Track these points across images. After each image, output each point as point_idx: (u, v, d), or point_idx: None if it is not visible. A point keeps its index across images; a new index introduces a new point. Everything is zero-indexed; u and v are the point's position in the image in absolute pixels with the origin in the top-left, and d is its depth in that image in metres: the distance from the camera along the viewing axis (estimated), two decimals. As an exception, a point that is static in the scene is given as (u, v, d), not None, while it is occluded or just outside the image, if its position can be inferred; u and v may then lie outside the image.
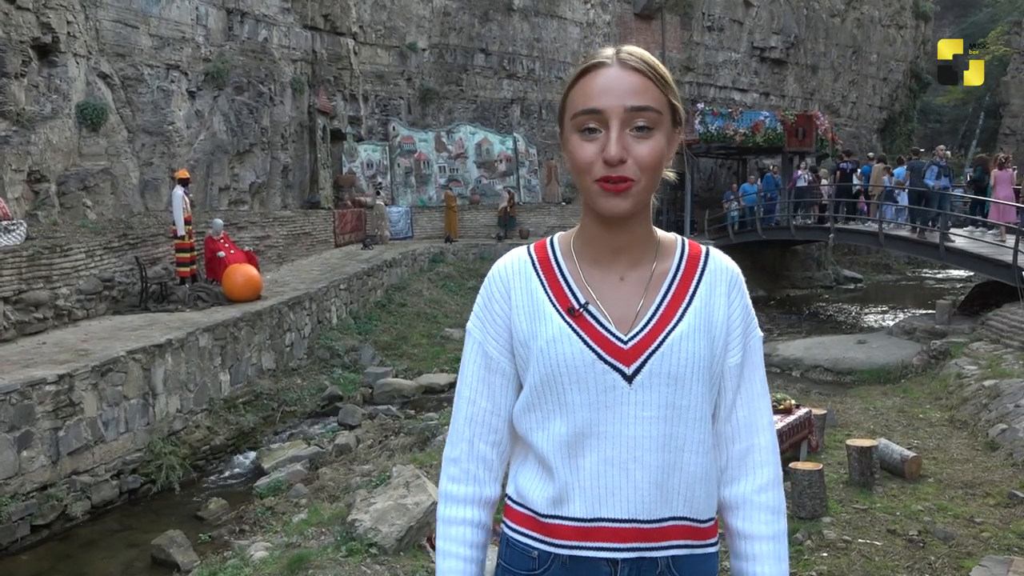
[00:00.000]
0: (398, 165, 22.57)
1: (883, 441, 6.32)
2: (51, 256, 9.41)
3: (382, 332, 14.29)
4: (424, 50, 22.95)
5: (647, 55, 1.33)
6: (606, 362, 1.32)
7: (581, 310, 1.35)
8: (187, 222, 11.32)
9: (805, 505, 5.14)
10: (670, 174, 1.38)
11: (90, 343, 8.56)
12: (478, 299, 1.46)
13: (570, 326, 1.34)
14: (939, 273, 27.89)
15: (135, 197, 13.02)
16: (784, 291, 22.60)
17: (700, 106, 23.87)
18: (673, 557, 1.34)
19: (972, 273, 17.60)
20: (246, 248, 13.07)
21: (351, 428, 9.73)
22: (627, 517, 1.32)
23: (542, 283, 1.40)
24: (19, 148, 10.33)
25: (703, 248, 1.45)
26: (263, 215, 15.99)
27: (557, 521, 1.35)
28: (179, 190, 11.24)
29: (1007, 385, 8.14)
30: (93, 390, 7.51)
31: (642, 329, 1.34)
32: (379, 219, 20.57)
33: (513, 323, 1.40)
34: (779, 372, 12.50)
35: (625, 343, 1.33)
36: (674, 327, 1.34)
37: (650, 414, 1.31)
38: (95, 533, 7.07)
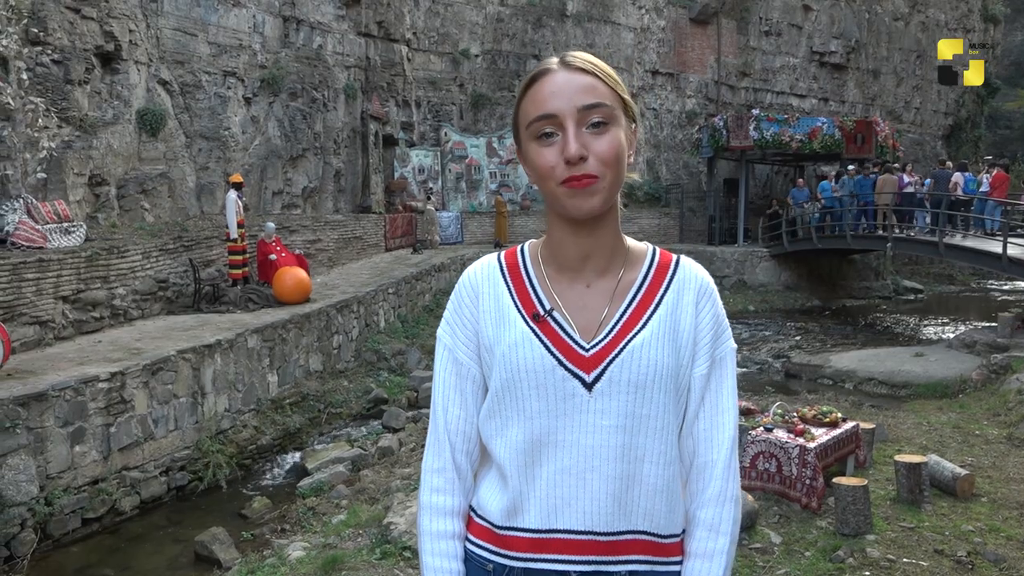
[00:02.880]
0: (449, 170, 22.73)
1: (934, 457, 6.09)
2: (109, 257, 9.70)
3: (429, 336, 14.36)
4: (477, 56, 23.08)
5: (591, 56, 1.32)
6: (566, 368, 1.30)
7: (545, 316, 1.34)
8: (240, 225, 11.56)
9: (848, 522, 4.99)
10: (633, 175, 1.35)
11: (143, 342, 8.79)
12: (448, 305, 1.46)
13: (533, 331, 1.33)
14: (1005, 284, 26.89)
15: (191, 200, 13.37)
16: (840, 301, 22.04)
17: (755, 112, 23.46)
18: (632, 572, 1.31)
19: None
20: (297, 251, 13.30)
21: (394, 431, 9.80)
22: (583, 529, 1.29)
23: (509, 289, 1.39)
24: (81, 152, 10.69)
25: (674, 256, 1.43)
26: (315, 219, 16.26)
27: (512, 533, 1.33)
28: (232, 194, 11.50)
29: (1071, 402, 7.79)
30: (144, 388, 7.71)
31: (605, 337, 1.32)
32: (429, 224, 20.72)
33: (480, 328, 1.39)
34: (831, 384, 12.19)
35: (587, 350, 1.31)
36: (636, 334, 1.32)
37: (609, 423, 1.28)
38: (143, 528, 7.25)
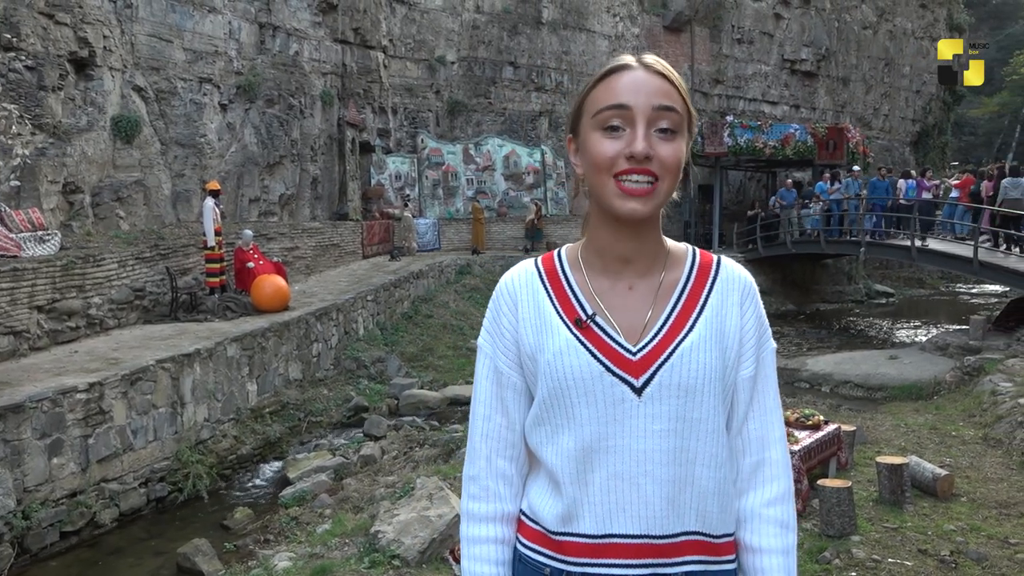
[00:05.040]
0: (426, 177, 22.69)
1: (914, 459, 6.19)
2: (84, 266, 9.57)
3: (408, 343, 14.33)
4: (453, 63, 23.10)
5: (666, 63, 1.34)
6: (614, 374, 1.30)
7: (588, 321, 1.33)
8: (217, 233, 11.44)
9: (833, 523, 5.04)
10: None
11: (120, 352, 8.67)
12: (487, 313, 1.45)
13: (577, 338, 1.32)
14: (973, 288, 27.42)
15: (167, 208, 13.22)
16: (814, 305, 22.33)
17: (729, 119, 23.72)
18: (688, 573, 1.32)
19: (1008, 288, 17.28)
20: (275, 259, 13.20)
21: (376, 439, 9.75)
22: (639, 533, 1.30)
23: (549, 295, 1.39)
24: (55, 160, 10.54)
25: (714, 257, 1.43)
26: (292, 226, 16.15)
27: (568, 538, 1.33)
28: (209, 201, 11.38)
29: (1043, 403, 7.94)
30: (123, 398, 7.61)
31: (651, 340, 1.32)
32: (407, 231, 20.68)
33: (520, 336, 1.38)
34: (808, 387, 12.33)
35: (634, 354, 1.31)
36: (684, 337, 1.32)
37: (660, 427, 1.29)
38: (123, 540, 7.14)
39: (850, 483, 5.26)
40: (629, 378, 1.30)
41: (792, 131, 23.00)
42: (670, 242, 1.43)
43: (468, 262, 20.09)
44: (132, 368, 7.86)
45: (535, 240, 21.89)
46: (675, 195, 1.36)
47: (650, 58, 1.33)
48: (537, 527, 1.38)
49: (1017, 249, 14.03)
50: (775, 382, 1.42)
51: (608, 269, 1.38)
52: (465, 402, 11.82)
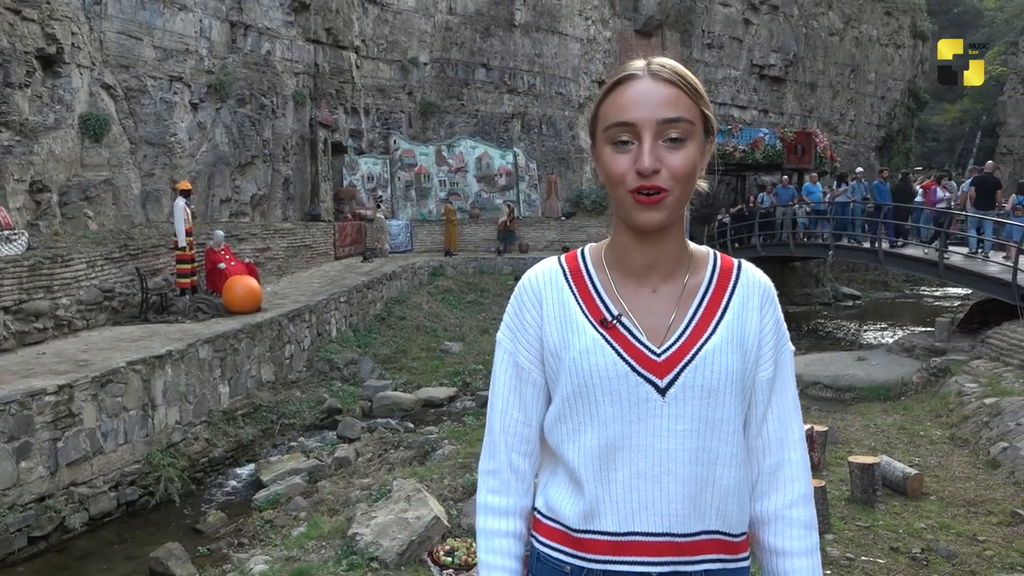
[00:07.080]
0: (398, 178, 22.63)
1: (885, 458, 6.29)
2: (52, 266, 9.40)
3: (381, 345, 14.27)
4: (425, 64, 23.06)
5: (678, 66, 1.32)
6: (639, 374, 1.31)
7: (614, 322, 1.35)
8: (188, 233, 11.30)
9: (808, 522, 5.12)
10: (703, 184, 1.37)
11: (90, 354, 8.54)
12: (508, 309, 1.45)
13: (603, 337, 1.34)
14: (937, 291, 27.96)
15: (136, 208, 13.03)
16: (783, 307, 22.46)
17: (699, 122, 23.90)
18: (707, 571, 1.33)
19: (970, 291, 17.65)
20: (246, 260, 13.06)
21: (350, 441, 9.69)
22: (661, 531, 1.31)
23: (574, 294, 1.40)
24: (22, 158, 10.34)
25: (735, 261, 1.45)
26: (264, 227, 16.00)
27: (590, 536, 1.34)
28: (180, 201, 11.24)
29: (1008, 403, 8.11)
30: (92, 401, 7.48)
31: (675, 342, 1.33)
32: (379, 232, 20.60)
33: (544, 333, 1.39)
34: (778, 388, 12.45)
35: (658, 355, 1.32)
36: (707, 340, 1.33)
37: (683, 427, 1.31)
38: (93, 545, 7.03)
39: (823, 483, 5.33)
40: (654, 378, 1.31)
41: (761, 135, 23.35)
42: (693, 246, 1.44)
43: (441, 263, 20.06)
44: (102, 370, 7.73)
45: (507, 242, 21.92)
46: (704, 186, 1.38)
47: (659, 64, 1.31)
48: (556, 525, 1.38)
49: (981, 250, 14.33)
50: (793, 384, 1.44)
51: (632, 272, 1.39)
52: (439, 404, 11.81)
